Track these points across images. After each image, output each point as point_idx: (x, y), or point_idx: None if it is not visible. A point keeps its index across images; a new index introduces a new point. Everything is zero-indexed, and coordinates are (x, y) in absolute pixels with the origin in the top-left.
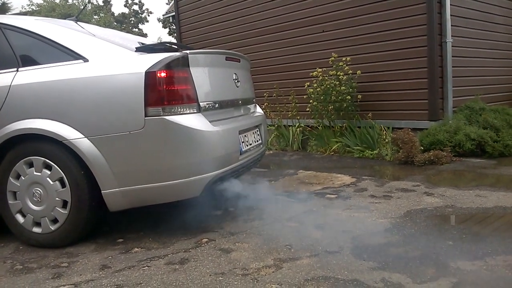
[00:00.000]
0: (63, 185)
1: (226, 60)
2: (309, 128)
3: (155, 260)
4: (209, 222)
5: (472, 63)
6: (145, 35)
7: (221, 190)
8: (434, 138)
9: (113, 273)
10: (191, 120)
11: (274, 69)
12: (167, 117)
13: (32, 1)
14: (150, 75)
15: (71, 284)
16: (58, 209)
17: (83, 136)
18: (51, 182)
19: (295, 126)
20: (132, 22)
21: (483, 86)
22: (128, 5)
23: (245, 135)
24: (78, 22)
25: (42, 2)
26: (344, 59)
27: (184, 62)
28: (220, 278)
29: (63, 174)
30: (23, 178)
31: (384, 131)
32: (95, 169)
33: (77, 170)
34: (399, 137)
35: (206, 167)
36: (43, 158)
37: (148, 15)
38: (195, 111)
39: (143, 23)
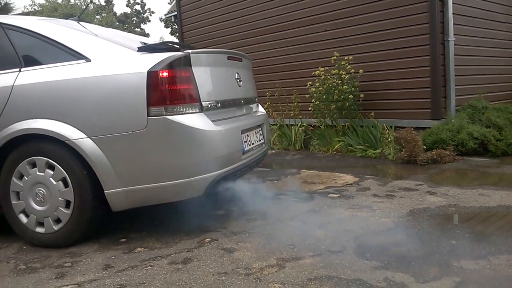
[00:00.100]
0: (66, 185)
1: (228, 59)
2: (311, 128)
3: (158, 259)
4: (211, 222)
5: (474, 61)
6: (147, 35)
7: (224, 189)
8: (437, 137)
9: (116, 272)
10: (193, 119)
11: (276, 68)
12: (169, 117)
13: (34, 1)
14: (152, 74)
15: (74, 284)
16: (61, 209)
17: (86, 136)
18: (54, 182)
19: (297, 125)
20: (134, 22)
21: (486, 84)
22: (130, 5)
23: (247, 135)
24: (80, 22)
25: (44, 2)
26: (346, 58)
27: (186, 62)
28: (223, 277)
29: (66, 174)
30: (26, 178)
31: (387, 130)
32: (97, 169)
33: (80, 170)
34: (401, 136)
35: (208, 167)
36: (46, 158)
37: (150, 15)
38: (197, 110)
39: (145, 23)
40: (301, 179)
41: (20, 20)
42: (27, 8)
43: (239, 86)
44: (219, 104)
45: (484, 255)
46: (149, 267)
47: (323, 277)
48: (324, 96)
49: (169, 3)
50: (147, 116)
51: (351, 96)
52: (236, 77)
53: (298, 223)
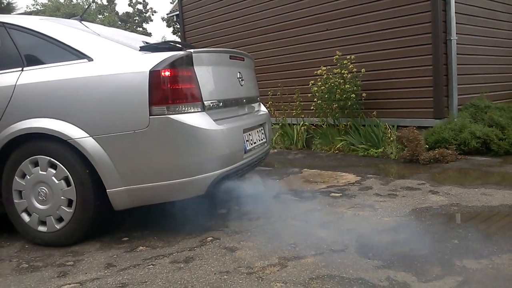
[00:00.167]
0: (68, 184)
1: (230, 58)
2: (313, 127)
3: (160, 258)
4: (213, 221)
5: (477, 60)
6: (149, 34)
7: (226, 188)
8: (439, 136)
9: (118, 271)
10: (195, 119)
11: (278, 67)
12: (171, 116)
13: (36, 1)
14: (154, 74)
15: (76, 283)
16: (64, 208)
17: (88, 135)
18: (56, 181)
19: (299, 124)
20: (136, 21)
21: (489, 83)
22: (132, 4)
23: (249, 134)
24: (83, 22)
25: (46, 1)
26: (348, 57)
27: (188, 61)
28: (225, 276)
29: (68, 173)
30: (28, 177)
31: (389, 129)
32: (100, 168)
33: (82, 169)
34: (404, 135)
35: (210, 166)
36: (48, 157)
37: (152, 14)
38: (200, 110)
39: (147, 22)
40: (303, 178)
41: (22, 19)
42: (30, 8)
43: (241, 85)
44: (221, 103)
45: (486, 254)
46: (151, 266)
47: (325, 276)
48: (326, 95)
49: (171, 3)
50: (149, 115)
51: (353, 95)
52: (238, 76)
53: (300, 222)
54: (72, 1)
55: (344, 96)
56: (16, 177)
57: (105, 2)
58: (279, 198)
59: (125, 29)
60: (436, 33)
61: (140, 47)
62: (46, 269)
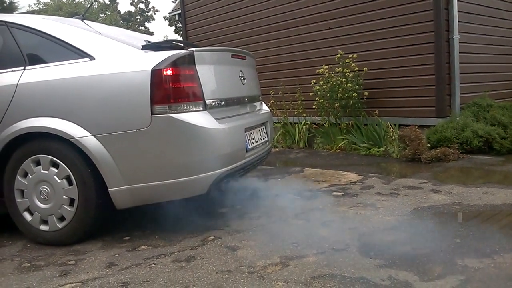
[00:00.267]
0: (70, 183)
1: (232, 57)
2: (315, 126)
3: (161, 257)
4: (215, 220)
5: (479, 59)
6: (151, 33)
7: (228, 187)
8: (441, 135)
9: (120, 270)
10: (197, 118)
11: (280, 66)
12: (173, 115)
13: (39, 0)
14: (156, 73)
15: (78, 282)
16: (65, 207)
17: (90, 134)
18: (58, 180)
19: (301, 123)
20: (138, 20)
21: (491, 82)
22: (134, 3)
23: (251, 133)
24: (85, 21)
25: (49, 1)
26: (350, 56)
27: (190, 60)
28: (226, 275)
29: (70, 172)
30: (30, 176)
31: (391, 128)
32: (101, 167)
33: (84, 168)
34: (406, 134)
35: (212, 165)
36: (50, 156)
37: (154, 13)
38: (201, 108)
39: (149, 21)
40: (304, 177)
41: (25, 18)
42: (32, 7)
43: (243, 84)
44: (223, 102)
45: (488, 253)
46: (153, 265)
47: (327, 275)
48: (328, 94)
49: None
50: (151, 114)
51: (355, 94)
52: (240, 75)
53: (302, 221)
54: (74, 0)
55: (346, 95)
56: (18, 176)
57: (107, 1)
58: (280, 197)
59: (127, 28)
60: (438, 31)
61: (142, 46)
62: (48, 268)
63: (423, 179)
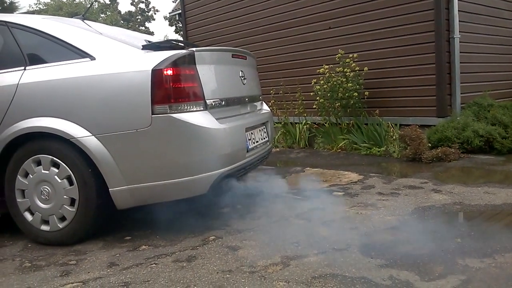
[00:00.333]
0: (71, 183)
1: (232, 57)
2: (315, 125)
3: (162, 257)
4: (216, 220)
5: (480, 59)
6: (151, 33)
7: (228, 187)
8: (442, 134)
9: (121, 270)
10: (197, 117)
11: (281, 66)
12: (173, 115)
13: (39, 0)
14: (156, 72)
15: (79, 282)
16: (66, 207)
17: (91, 134)
18: (59, 180)
19: (301, 123)
20: (138, 20)
21: (491, 82)
22: (134, 3)
23: (251, 133)
24: (85, 21)
25: (49, 1)
26: (351, 55)
27: (190, 60)
28: (227, 275)
29: (70, 172)
30: (31, 176)
31: (392, 128)
32: (102, 167)
33: (85, 168)
34: (406, 134)
35: (212, 165)
36: (51, 156)
37: (155, 13)
38: (202, 108)
39: (149, 21)
40: (305, 177)
41: (25, 18)
42: (32, 7)
43: (244, 84)
44: (224, 102)
45: (489, 253)
46: (154, 265)
47: (328, 275)
48: (328, 94)
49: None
50: (152, 114)
51: (355, 94)
52: (241, 75)
53: (303, 221)
54: (75, 0)
55: (347, 94)
56: (18, 176)
57: (107, 1)
58: (281, 197)
59: (128, 28)
60: (439, 31)
61: (142, 46)
62: (49, 268)
63: (424, 179)
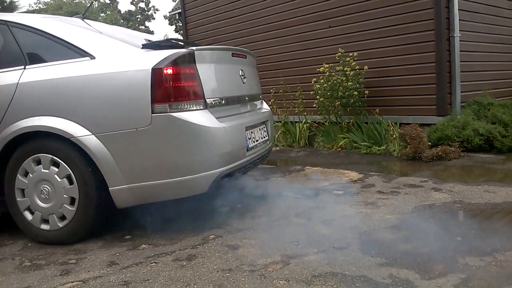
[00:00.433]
0: (70, 182)
1: (232, 56)
2: (316, 124)
3: (162, 256)
4: (216, 219)
5: (480, 57)
6: (151, 32)
7: (228, 186)
8: (442, 133)
9: (121, 269)
10: (197, 116)
11: (281, 65)
12: (173, 114)
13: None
14: (156, 71)
15: (79, 281)
16: (66, 206)
17: (90, 133)
18: (59, 179)
19: (301, 122)
20: (138, 19)
21: (492, 80)
22: (134, 2)
23: (251, 132)
24: (85, 20)
25: (49, 0)
26: (351, 54)
27: (190, 59)
28: (227, 274)
29: (70, 171)
30: (31, 175)
31: (392, 127)
32: (102, 166)
33: (85, 167)
34: (406, 133)
35: (213, 164)
36: (50, 156)
37: (155, 13)
38: (202, 107)
39: (149, 21)
40: (305, 176)
41: (25, 18)
42: (32, 6)
43: (244, 83)
44: (224, 101)
45: (489, 251)
46: (154, 263)
47: (328, 273)
48: (328, 93)
49: (173, 1)
50: (152, 113)
51: (355, 93)
52: (241, 74)
53: (303, 220)
54: (75, 0)
55: (347, 93)
56: (18, 175)
57: (107, 0)
58: (281, 196)
59: (127, 27)
60: (439, 30)
61: (142, 45)
62: (48, 267)
63: (424, 178)
